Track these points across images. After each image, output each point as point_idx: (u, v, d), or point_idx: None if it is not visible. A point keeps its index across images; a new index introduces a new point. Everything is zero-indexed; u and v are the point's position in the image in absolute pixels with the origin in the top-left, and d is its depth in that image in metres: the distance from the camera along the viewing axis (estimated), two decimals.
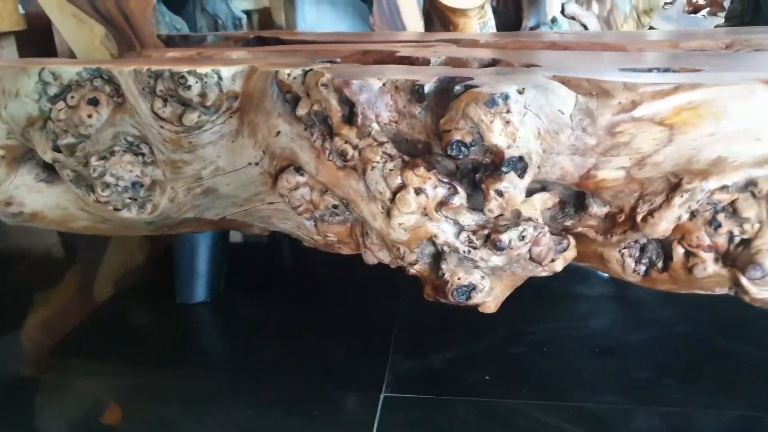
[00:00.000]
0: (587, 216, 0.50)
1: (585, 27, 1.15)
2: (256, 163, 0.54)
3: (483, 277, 0.46)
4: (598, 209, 0.49)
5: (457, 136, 0.41)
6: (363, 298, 0.70)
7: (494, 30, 1.17)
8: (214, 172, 0.55)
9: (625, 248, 0.51)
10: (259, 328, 0.66)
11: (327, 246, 0.58)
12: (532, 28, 1.24)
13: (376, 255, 0.53)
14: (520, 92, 0.41)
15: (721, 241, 0.47)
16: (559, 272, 0.48)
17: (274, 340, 0.63)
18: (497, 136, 0.40)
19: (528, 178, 0.43)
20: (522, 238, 0.45)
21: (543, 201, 0.48)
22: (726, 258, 0.47)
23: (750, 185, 0.45)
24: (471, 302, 0.47)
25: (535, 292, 0.65)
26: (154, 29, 1.06)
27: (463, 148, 0.41)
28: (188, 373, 0.58)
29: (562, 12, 1.18)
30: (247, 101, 0.52)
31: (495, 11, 1.30)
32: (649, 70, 0.49)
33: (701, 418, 0.50)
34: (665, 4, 2.00)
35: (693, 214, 0.48)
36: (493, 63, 0.55)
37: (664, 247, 0.50)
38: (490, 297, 0.49)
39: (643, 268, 0.52)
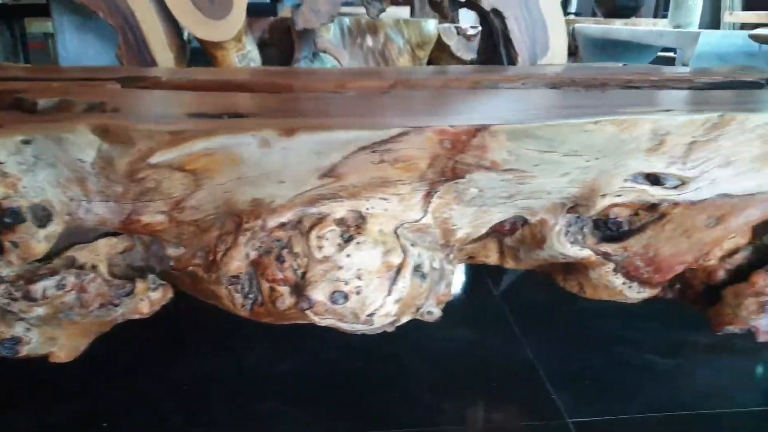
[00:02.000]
0: (169, 258, 0.51)
1: (339, 62, 1.21)
2: None
3: (29, 329, 0.45)
4: (173, 251, 0.50)
5: None
6: None
7: (257, 63, 1.19)
8: None
9: (232, 284, 0.53)
10: None
11: None
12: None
13: None
14: (27, 142, 0.41)
15: (290, 274, 0.50)
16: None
17: None
18: None
19: (54, 226, 0.43)
20: (61, 286, 0.44)
21: (110, 246, 0.48)
22: (297, 290, 0.50)
23: (300, 223, 0.49)
24: (22, 355, 0.46)
25: (188, 327, 0.65)
26: None
27: None
28: None
29: (315, 46, 1.24)
30: None
31: (267, 43, 1.33)
32: (220, 116, 0.51)
33: None
34: (470, 36, 2.15)
35: (268, 251, 0.50)
36: (100, 105, 0.55)
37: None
38: (55, 347, 0.47)
39: (249, 302, 0.53)
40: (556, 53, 1.15)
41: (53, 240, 0.43)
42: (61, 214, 0.43)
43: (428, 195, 0.52)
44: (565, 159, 0.50)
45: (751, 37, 1.55)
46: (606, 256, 0.58)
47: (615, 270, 0.57)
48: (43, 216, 0.42)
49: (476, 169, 0.49)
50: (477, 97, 0.64)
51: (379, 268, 0.48)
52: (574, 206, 0.56)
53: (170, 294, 0.52)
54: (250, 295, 0.53)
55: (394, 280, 0.48)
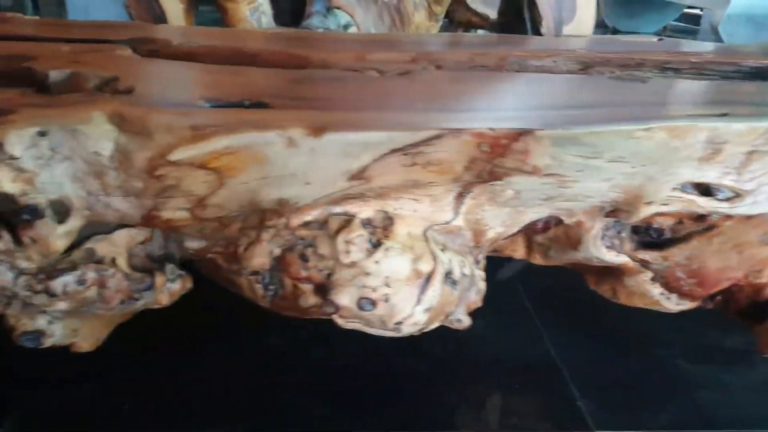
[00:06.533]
0: (189, 249, 0.49)
1: (354, 19, 1.13)
2: None
3: (51, 322, 0.44)
4: (193, 243, 0.48)
5: None
6: None
7: (268, 16, 1.13)
8: None
9: (253, 275, 0.51)
10: None
11: None
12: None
13: None
14: (43, 134, 0.38)
15: (315, 274, 0.48)
16: None
17: None
18: (7, 184, 0.37)
19: (74, 221, 0.41)
20: (81, 282, 0.43)
21: (129, 237, 0.46)
22: (322, 290, 0.49)
23: (325, 223, 0.46)
24: (46, 346, 0.45)
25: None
26: None
27: None
28: None
29: (330, 1, 1.16)
30: None
31: None
32: (240, 103, 0.47)
33: None
34: None
35: (291, 248, 0.48)
36: (113, 80, 0.51)
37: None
38: (78, 338, 0.47)
39: (270, 294, 0.52)
40: (583, 19, 1.08)
41: (73, 236, 0.41)
42: (80, 209, 0.41)
43: (461, 196, 0.49)
44: (609, 165, 0.47)
45: None
46: (644, 264, 0.55)
47: (653, 279, 0.55)
48: (62, 212, 0.40)
49: (516, 173, 0.46)
50: (508, 83, 0.59)
51: (409, 275, 0.46)
52: (614, 210, 0.53)
53: (189, 284, 0.50)
54: (271, 287, 0.52)
55: (423, 289, 0.46)
